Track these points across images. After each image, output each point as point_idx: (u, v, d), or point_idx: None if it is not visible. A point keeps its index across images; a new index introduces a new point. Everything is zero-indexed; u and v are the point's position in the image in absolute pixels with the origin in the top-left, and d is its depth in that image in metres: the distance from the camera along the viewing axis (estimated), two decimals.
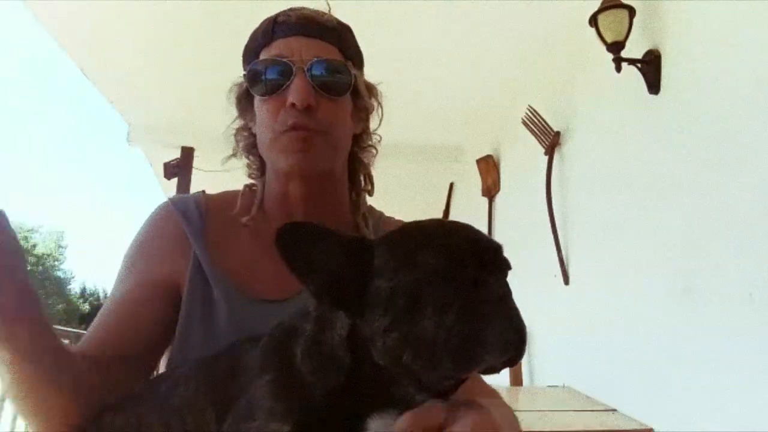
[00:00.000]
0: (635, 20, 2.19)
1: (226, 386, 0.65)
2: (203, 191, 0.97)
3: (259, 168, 0.96)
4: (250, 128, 0.94)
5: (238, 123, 0.96)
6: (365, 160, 0.98)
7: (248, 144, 0.95)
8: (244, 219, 0.90)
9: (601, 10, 2.21)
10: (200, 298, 0.85)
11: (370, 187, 1.00)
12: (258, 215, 0.92)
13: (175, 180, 3.91)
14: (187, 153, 3.95)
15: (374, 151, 0.99)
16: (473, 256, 0.56)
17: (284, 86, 0.84)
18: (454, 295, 0.53)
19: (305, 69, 0.84)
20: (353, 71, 0.89)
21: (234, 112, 0.95)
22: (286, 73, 0.84)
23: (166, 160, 3.93)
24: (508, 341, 0.53)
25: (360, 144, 0.97)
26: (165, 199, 0.95)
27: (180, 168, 3.91)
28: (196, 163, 3.92)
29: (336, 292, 0.58)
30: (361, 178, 0.99)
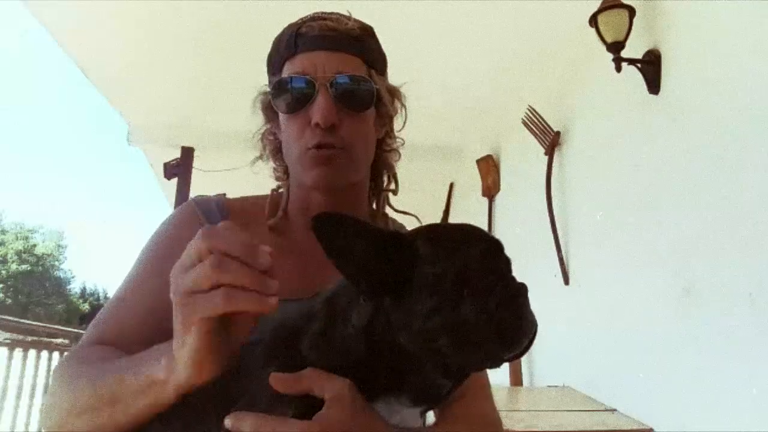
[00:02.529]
0: (635, 20, 2.19)
1: (228, 387, 0.65)
2: (224, 194, 0.98)
3: (285, 172, 0.98)
4: (275, 133, 0.96)
5: (264, 126, 0.97)
6: (389, 161, 1.00)
7: (274, 149, 0.97)
8: (271, 221, 0.92)
9: (601, 10, 2.21)
10: None
11: (394, 187, 1.01)
12: (281, 217, 0.94)
13: (175, 180, 3.92)
14: (187, 153, 3.94)
15: (398, 154, 1.01)
16: (502, 253, 0.63)
17: (307, 104, 0.86)
18: (494, 284, 0.59)
19: (328, 85, 0.85)
20: (376, 83, 0.89)
21: (257, 116, 0.96)
22: (308, 90, 0.86)
23: (166, 160, 3.93)
24: (533, 331, 0.60)
25: (383, 147, 0.98)
26: (189, 199, 0.96)
27: (180, 168, 3.91)
28: (196, 163, 3.92)
29: (373, 277, 0.61)
30: (385, 177, 1.01)
